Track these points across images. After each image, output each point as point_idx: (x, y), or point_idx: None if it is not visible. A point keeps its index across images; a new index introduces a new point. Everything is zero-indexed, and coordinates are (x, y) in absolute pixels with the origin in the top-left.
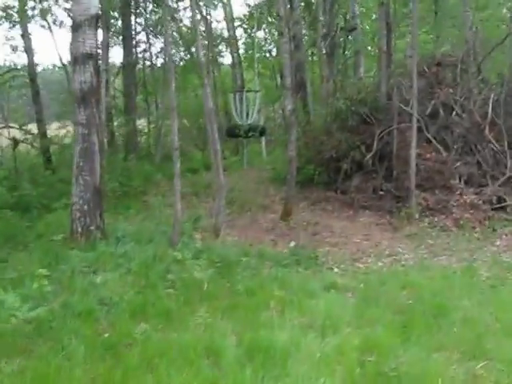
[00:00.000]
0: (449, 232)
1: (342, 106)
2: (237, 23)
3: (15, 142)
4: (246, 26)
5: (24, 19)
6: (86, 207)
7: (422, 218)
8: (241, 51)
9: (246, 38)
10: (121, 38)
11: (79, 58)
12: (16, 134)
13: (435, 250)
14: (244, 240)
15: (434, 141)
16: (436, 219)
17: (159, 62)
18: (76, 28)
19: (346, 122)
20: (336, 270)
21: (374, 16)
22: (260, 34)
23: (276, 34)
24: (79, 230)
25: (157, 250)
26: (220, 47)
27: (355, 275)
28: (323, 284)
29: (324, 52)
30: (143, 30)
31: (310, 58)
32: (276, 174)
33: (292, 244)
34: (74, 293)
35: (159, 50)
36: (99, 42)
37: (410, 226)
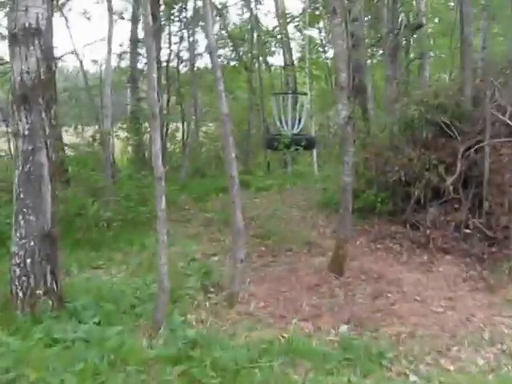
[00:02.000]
0: None
1: (413, 114)
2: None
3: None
4: (298, 23)
5: None
6: (29, 261)
7: None
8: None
9: (298, 36)
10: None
11: (19, 36)
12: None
13: None
14: (272, 309)
15: None
16: None
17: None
18: None
19: (419, 134)
20: (413, 377)
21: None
22: (315, 32)
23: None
24: (20, 294)
25: (123, 341)
26: (271, 47)
27: None
28: None
29: (387, 52)
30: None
31: (369, 61)
32: (327, 198)
33: (343, 328)
34: None
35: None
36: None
37: None
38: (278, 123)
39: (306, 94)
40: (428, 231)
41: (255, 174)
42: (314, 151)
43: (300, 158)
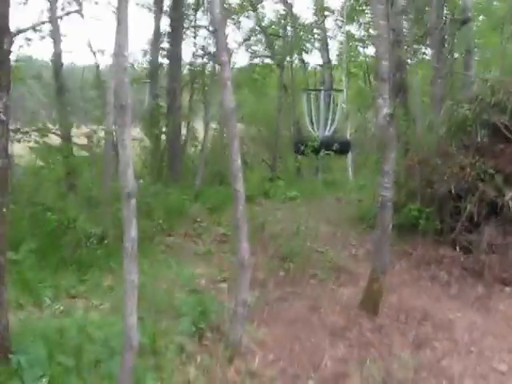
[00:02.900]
0: None
1: (466, 113)
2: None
3: None
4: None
5: None
6: None
7: None
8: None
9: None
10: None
11: None
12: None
13: None
14: (284, 364)
15: None
16: None
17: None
18: None
19: (473, 138)
20: None
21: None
22: (354, 29)
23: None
24: None
25: None
26: (307, 43)
27: None
28: None
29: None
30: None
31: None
32: (362, 211)
33: None
34: None
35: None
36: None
37: None
38: (309, 124)
39: (341, 90)
40: (483, 256)
41: (282, 182)
42: (349, 156)
43: (334, 163)
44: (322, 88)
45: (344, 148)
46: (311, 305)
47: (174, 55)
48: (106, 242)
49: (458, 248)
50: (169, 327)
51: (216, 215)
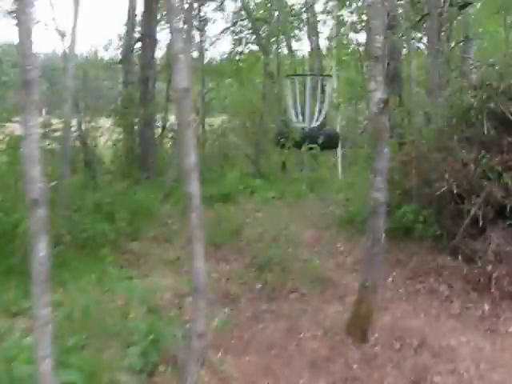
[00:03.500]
0: None
1: (470, 101)
2: None
3: None
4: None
5: None
6: None
7: None
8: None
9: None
10: None
11: None
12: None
13: None
14: None
15: None
16: None
17: None
18: None
19: (478, 130)
20: None
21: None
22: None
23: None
24: None
25: None
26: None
27: None
28: None
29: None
30: None
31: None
32: (351, 213)
33: None
34: None
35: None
36: None
37: None
38: (293, 114)
39: (329, 75)
40: (489, 267)
41: (259, 180)
42: (339, 151)
43: (323, 159)
44: (308, 73)
45: (332, 142)
46: (289, 327)
47: (147, 37)
48: (57, 248)
49: (459, 257)
50: (114, 360)
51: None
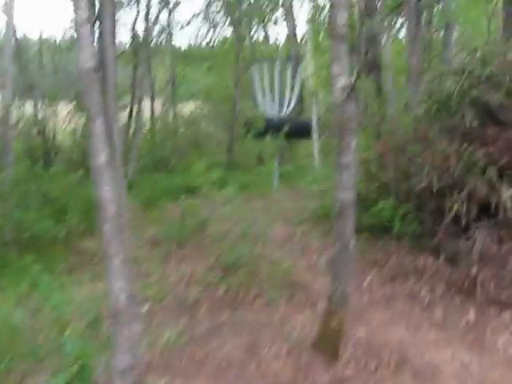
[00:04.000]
0: None
1: (451, 89)
2: None
3: None
4: None
5: None
6: None
7: None
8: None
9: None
10: None
11: None
12: None
13: None
14: None
15: None
16: None
17: None
18: None
19: (459, 120)
20: None
21: None
22: None
23: None
24: None
25: None
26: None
27: None
28: None
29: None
30: None
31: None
32: (326, 207)
33: None
34: None
35: None
36: None
37: None
38: (260, 101)
39: (300, 60)
40: (474, 269)
41: (238, 169)
42: (315, 141)
43: (302, 148)
44: (277, 58)
45: (303, 131)
46: (251, 342)
47: (106, 17)
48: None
49: (441, 257)
50: None
51: (150, 211)
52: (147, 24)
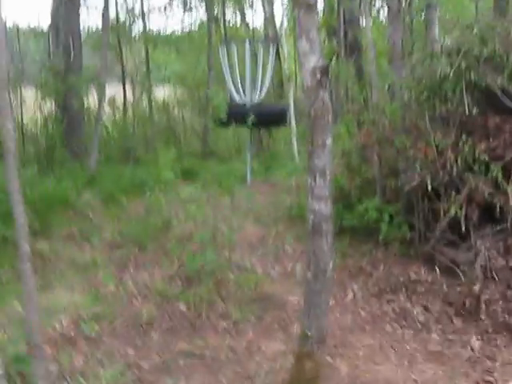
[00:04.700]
0: None
1: (444, 71)
2: None
3: None
4: None
5: None
6: None
7: None
8: None
9: None
10: None
11: None
12: None
13: None
14: None
15: None
16: None
17: None
18: None
19: (455, 108)
20: None
21: None
22: None
23: None
24: None
25: None
26: None
27: None
28: None
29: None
30: None
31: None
32: (302, 206)
33: None
34: None
35: None
36: None
37: None
38: (232, 88)
39: (274, 41)
40: (477, 286)
41: (212, 158)
42: (293, 128)
43: (281, 135)
44: (247, 38)
45: (277, 118)
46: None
47: None
48: None
49: (436, 269)
50: None
51: (114, 207)
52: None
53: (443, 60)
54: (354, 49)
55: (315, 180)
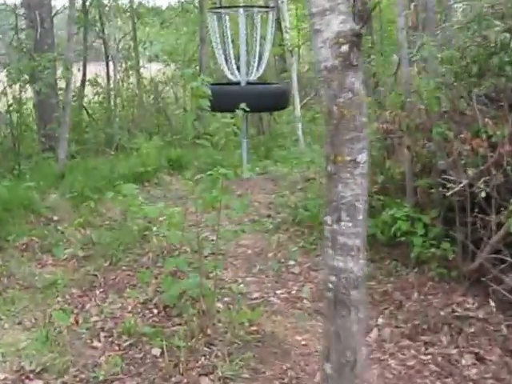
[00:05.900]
0: None
1: (501, 38)
2: None
3: None
4: None
5: None
6: None
7: None
8: None
9: None
10: None
11: None
12: None
13: None
14: None
15: None
16: None
17: None
18: None
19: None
20: None
21: None
22: None
23: None
24: None
25: None
26: None
27: None
28: None
29: None
30: None
31: None
32: (311, 207)
33: None
34: None
35: None
36: None
37: None
38: (225, 65)
39: (272, 7)
40: None
41: (206, 146)
42: (297, 107)
43: (284, 114)
44: (242, 5)
45: (276, 101)
46: None
47: None
48: None
49: (491, 295)
50: None
51: (85, 210)
52: None
53: (497, 24)
54: (364, 18)
55: (339, 221)
